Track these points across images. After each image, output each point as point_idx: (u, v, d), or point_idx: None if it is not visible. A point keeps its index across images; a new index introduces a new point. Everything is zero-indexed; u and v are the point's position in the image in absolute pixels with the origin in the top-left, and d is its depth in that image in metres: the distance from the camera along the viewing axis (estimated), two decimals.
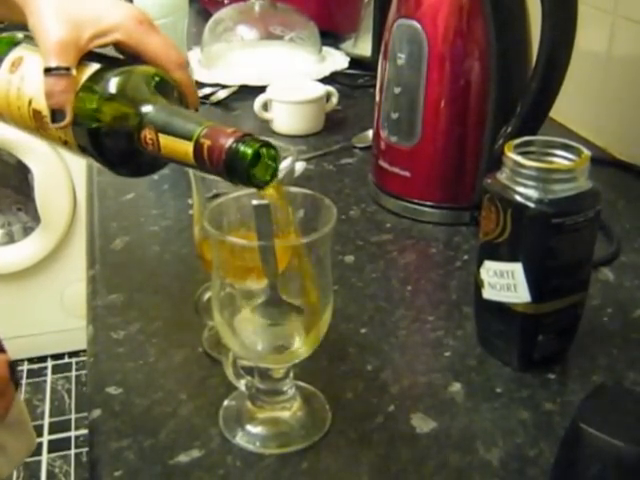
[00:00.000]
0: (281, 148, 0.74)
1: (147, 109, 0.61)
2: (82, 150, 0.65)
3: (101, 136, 0.62)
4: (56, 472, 2.13)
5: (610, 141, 1.20)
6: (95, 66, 0.64)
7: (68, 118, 0.62)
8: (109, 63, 0.65)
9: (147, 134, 0.60)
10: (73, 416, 2.31)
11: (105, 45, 0.66)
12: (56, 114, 0.62)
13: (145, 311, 0.80)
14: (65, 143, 0.65)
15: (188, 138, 0.58)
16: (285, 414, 0.65)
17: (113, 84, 0.62)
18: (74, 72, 0.62)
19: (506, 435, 0.64)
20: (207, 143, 0.57)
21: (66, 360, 2.54)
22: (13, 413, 0.96)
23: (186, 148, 0.58)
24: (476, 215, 0.91)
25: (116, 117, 0.62)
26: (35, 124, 0.66)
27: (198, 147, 0.57)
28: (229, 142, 0.56)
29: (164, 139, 0.59)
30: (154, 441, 0.63)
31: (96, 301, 0.82)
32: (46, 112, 0.63)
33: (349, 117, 1.36)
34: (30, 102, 0.66)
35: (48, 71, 0.62)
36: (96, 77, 0.63)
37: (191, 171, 0.70)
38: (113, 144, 0.63)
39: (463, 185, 0.97)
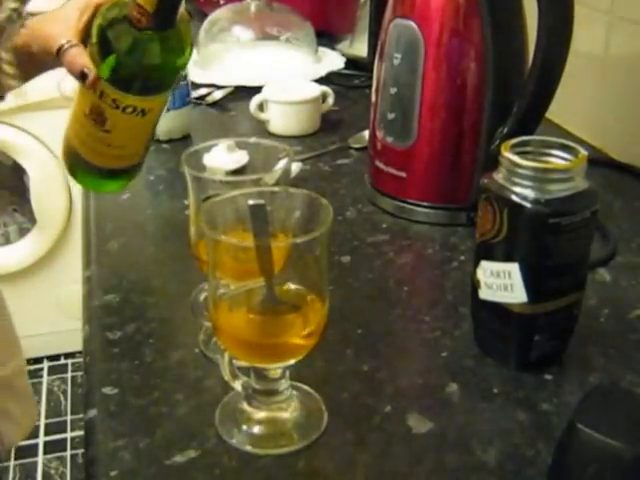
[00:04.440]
0: (277, 148, 0.74)
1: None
2: (122, 88, 0.76)
3: (123, 56, 0.74)
4: (52, 473, 2.12)
5: (607, 142, 1.20)
6: None
7: (93, 71, 0.74)
8: None
9: (134, 10, 0.72)
10: (69, 417, 2.30)
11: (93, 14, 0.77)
12: (84, 73, 0.74)
13: (141, 311, 0.80)
14: (115, 102, 0.76)
15: None
16: (281, 414, 0.65)
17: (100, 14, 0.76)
18: (81, 45, 0.76)
19: (503, 435, 0.64)
20: None
21: (62, 361, 2.53)
22: (21, 385, 0.99)
23: None
24: (472, 215, 0.91)
25: (116, 31, 0.74)
26: (92, 120, 0.79)
27: None
28: None
29: None
30: (150, 441, 0.63)
31: (92, 301, 0.82)
32: (87, 109, 0.78)
33: (345, 118, 1.36)
34: (80, 111, 0.80)
35: (60, 50, 0.75)
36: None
37: (187, 171, 0.70)
38: (128, 49, 0.74)
39: (459, 186, 0.97)
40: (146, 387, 0.69)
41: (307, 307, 0.61)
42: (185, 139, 1.23)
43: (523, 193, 0.65)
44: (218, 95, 1.44)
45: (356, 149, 1.21)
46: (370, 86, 1.04)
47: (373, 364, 0.73)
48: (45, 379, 2.45)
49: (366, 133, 1.13)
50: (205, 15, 1.68)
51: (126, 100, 0.76)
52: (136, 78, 0.76)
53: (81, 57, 0.75)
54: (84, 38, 0.77)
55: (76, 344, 2.47)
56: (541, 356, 0.71)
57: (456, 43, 0.92)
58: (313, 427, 0.64)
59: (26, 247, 2.36)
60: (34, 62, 0.81)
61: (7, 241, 2.46)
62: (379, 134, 1.01)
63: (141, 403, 0.67)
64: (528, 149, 0.69)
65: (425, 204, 0.99)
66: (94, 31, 0.75)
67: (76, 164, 0.86)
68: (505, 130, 0.91)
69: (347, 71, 1.57)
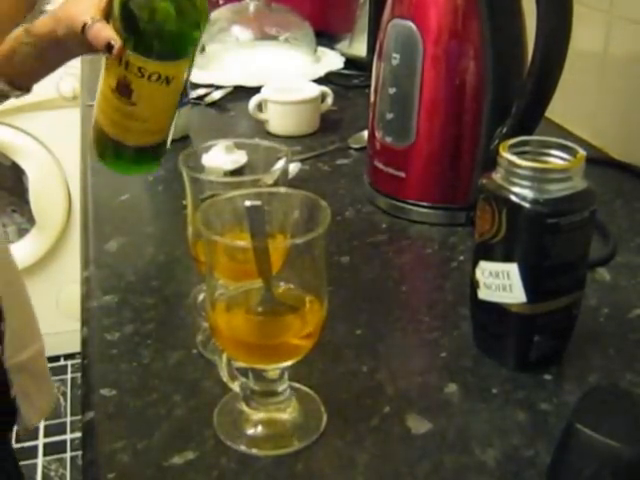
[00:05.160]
0: (276, 149, 0.74)
1: None
2: (147, 55, 0.81)
3: (144, 25, 0.81)
4: (52, 475, 2.12)
5: (607, 141, 1.20)
6: None
7: (119, 41, 0.79)
8: None
9: None
10: (68, 419, 2.30)
11: None
12: (109, 45, 0.79)
13: (139, 312, 0.80)
14: (140, 71, 0.81)
15: None
16: (280, 415, 0.65)
17: None
18: (104, 21, 0.80)
19: (502, 436, 0.64)
20: None
21: (62, 362, 2.53)
22: (41, 367, 1.02)
23: None
24: (472, 215, 0.91)
25: (136, 2, 0.80)
26: (119, 94, 0.84)
27: None
28: None
29: None
30: (148, 443, 0.63)
31: (90, 302, 0.82)
32: (114, 83, 0.82)
33: (344, 118, 1.36)
34: (107, 88, 0.85)
35: (84, 27, 0.79)
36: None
37: (185, 172, 0.70)
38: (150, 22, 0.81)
39: (458, 185, 0.97)
40: (144, 388, 0.69)
41: (305, 308, 0.61)
42: (184, 139, 1.23)
43: (522, 193, 0.65)
44: (217, 95, 1.44)
45: (355, 149, 1.21)
46: (369, 86, 1.04)
47: (372, 365, 0.72)
48: None
49: (365, 133, 1.13)
50: None
51: (151, 67, 0.81)
52: (158, 44, 0.82)
53: (105, 30, 0.80)
54: (106, 16, 0.81)
55: (75, 345, 2.45)
56: (540, 356, 0.71)
57: (455, 43, 0.92)
58: (312, 428, 0.64)
59: (25, 248, 2.36)
60: (60, 49, 0.85)
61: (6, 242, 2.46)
62: (378, 134, 1.01)
63: (139, 404, 0.67)
64: (527, 149, 0.69)
65: (424, 204, 0.98)
66: (116, 5, 0.81)
67: (105, 147, 0.90)
68: (504, 130, 0.91)
69: (346, 71, 1.57)
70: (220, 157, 0.80)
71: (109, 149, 0.90)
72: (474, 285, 0.72)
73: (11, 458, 1.07)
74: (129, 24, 0.81)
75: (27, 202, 2.35)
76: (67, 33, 0.82)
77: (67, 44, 0.84)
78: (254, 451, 0.62)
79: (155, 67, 0.82)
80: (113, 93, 0.84)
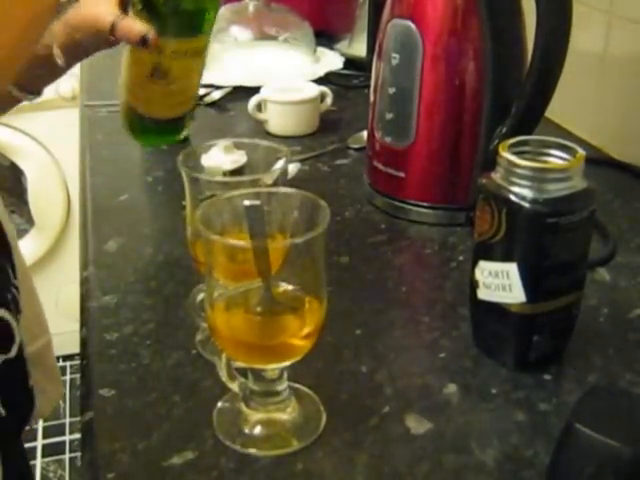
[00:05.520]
0: (275, 149, 0.74)
1: None
2: (179, 36, 0.84)
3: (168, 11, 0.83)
4: (50, 476, 2.12)
5: (607, 141, 1.20)
6: None
7: (152, 30, 0.80)
8: None
9: None
10: (67, 420, 2.30)
11: None
12: (145, 38, 0.80)
13: (138, 313, 0.80)
14: (175, 52, 0.84)
15: None
16: (279, 415, 0.65)
17: None
18: (129, 17, 0.81)
19: (501, 436, 0.64)
20: None
21: (60, 363, 2.52)
22: (50, 359, 1.03)
23: None
24: (471, 215, 0.91)
25: None
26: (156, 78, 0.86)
27: None
28: None
29: None
30: (147, 443, 0.63)
31: (90, 303, 0.82)
32: (148, 70, 0.84)
33: (344, 118, 1.36)
34: (139, 76, 0.88)
35: (113, 26, 0.79)
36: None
37: (184, 172, 0.70)
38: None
39: (458, 185, 0.97)
40: (143, 389, 0.69)
41: (305, 308, 0.61)
42: (183, 139, 1.23)
43: (521, 193, 0.65)
44: (217, 95, 1.43)
45: (355, 149, 1.21)
46: (369, 86, 1.04)
47: (371, 365, 0.72)
48: None
49: (365, 133, 1.13)
50: None
51: (184, 45, 0.85)
52: (188, 23, 0.85)
53: (136, 25, 0.81)
54: (122, 9, 0.83)
55: (74, 346, 2.43)
56: (540, 356, 0.71)
57: (454, 43, 0.92)
58: (311, 428, 0.64)
59: (24, 248, 2.35)
60: (78, 50, 0.86)
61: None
62: (377, 134, 1.01)
63: (139, 405, 0.67)
64: (526, 149, 0.69)
65: (424, 204, 0.98)
66: None
67: (139, 126, 0.94)
68: (504, 130, 0.91)
69: (346, 71, 1.57)
70: (219, 157, 0.80)
71: (141, 127, 0.94)
72: (473, 285, 0.72)
73: (22, 457, 1.07)
74: (154, 12, 0.82)
75: (26, 203, 2.35)
76: (85, 34, 0.83)
77: (84, 45, 0.84)
78: (253, 451, 0.62)
79: (188, 44, 0.85)
80: (149, 78, 0.86)
